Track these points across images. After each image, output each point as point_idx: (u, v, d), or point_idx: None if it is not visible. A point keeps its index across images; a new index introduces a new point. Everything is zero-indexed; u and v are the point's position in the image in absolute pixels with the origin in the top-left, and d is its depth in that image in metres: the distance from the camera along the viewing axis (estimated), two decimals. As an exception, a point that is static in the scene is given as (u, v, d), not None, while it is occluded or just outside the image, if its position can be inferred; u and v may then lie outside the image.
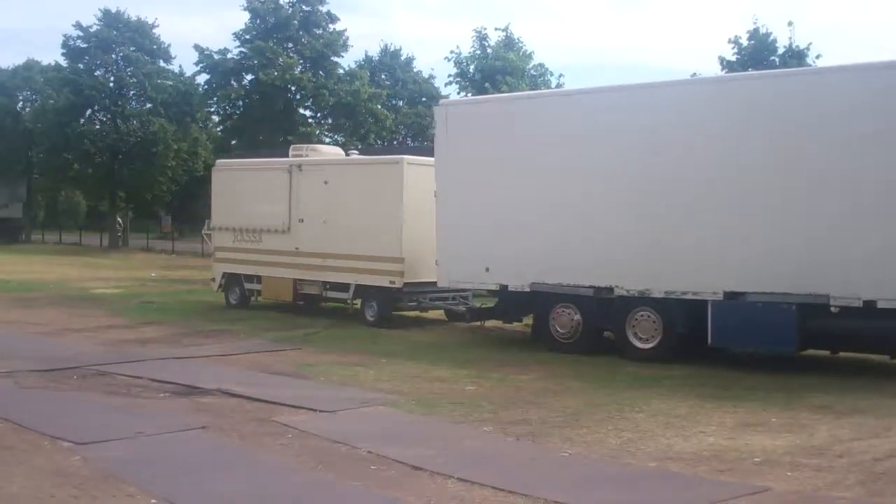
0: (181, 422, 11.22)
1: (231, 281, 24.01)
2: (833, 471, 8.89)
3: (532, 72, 46.83)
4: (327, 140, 49.96)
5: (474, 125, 18.11)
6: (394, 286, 20.14)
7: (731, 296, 15.03)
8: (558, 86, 49.43)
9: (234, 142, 51.89)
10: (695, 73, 34.80)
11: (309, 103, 50.71)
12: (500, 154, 17.50)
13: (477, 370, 15.16)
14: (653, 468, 9.21)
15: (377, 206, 20.50)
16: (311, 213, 21.92)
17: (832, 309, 14.04)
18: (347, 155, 23.92)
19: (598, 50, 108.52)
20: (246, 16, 50.03)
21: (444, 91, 53.03)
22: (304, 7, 50.07)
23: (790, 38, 35.69)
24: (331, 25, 51.17)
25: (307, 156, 23.22)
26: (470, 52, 46.71)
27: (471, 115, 18.80)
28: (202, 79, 52.42)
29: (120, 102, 56.02)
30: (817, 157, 14.34)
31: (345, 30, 51.43)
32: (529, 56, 46.77)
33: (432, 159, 19.78)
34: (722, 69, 33.55)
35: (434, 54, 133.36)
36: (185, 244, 53.41)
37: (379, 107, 50.95)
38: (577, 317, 16.90)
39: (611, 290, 16.25)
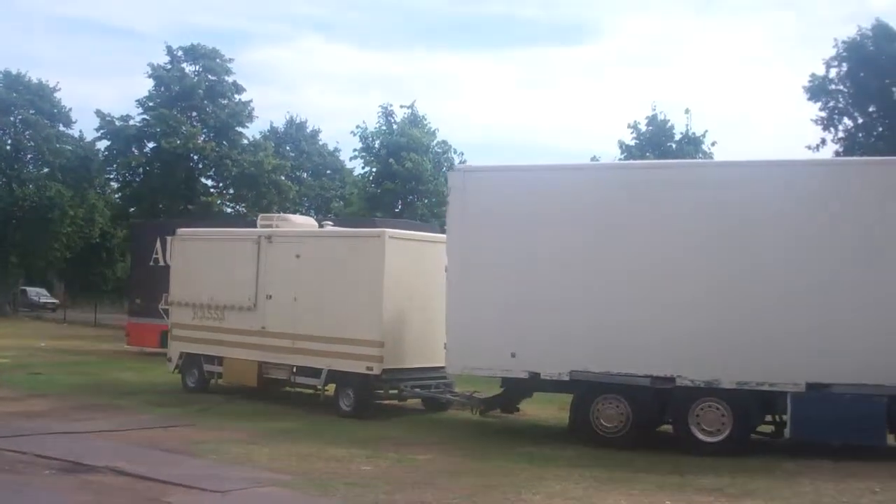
0: (67, 500, 10.85)
1: (189, 361, 21.82)
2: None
3: (436, 148, 47.39)
4: (228, 210, 49.62)
5: (499, 193, 16.47)
6: (371, 372, 18.23)
7: (813, 387, 14.32)
8: (461, 163, 50.06)
9: (132, 209, 51.13)
10: (595, 157, 35.63)
11: (211, 172, 50.45)
12: (530, 225, 15.99)
13: (373, 449, 15.00)
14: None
15: (355, 284, 18.68)
16: (280, 290, 19.97)
17: None
18: (321, 226, 22.09)
19: (504, 129, 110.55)
20: (150, 83, 49.85)
21: (348, 165, 53.38)
22: (209, 76, 50.06)
23: (687, 125, 36.93)
24: (237, 96, 51.25)
25: (277, 226, 21.29)
26: (376, 128, 47.14)
27: (495, 183, 16.88)
28: (102, 144, 51.85)
29: (16, 166, 54.96)
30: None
31: (250, 100, 51.56)
32: (433, 133, 47.37)
33: (415, 233, 19.31)
34: (621, 153, 34.46)
35: (340, 127, 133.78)
36: (77, 313, 52.08)
37: (283, 178, 50.91)
38: (626, 408, 15.33)
39: (671, 379, 14.89)
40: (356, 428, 17.19)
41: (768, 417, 15.22)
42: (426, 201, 45.03)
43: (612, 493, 11.86)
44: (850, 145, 42.57)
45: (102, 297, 61.48)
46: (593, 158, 35.10)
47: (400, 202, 45.12)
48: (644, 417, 15.37)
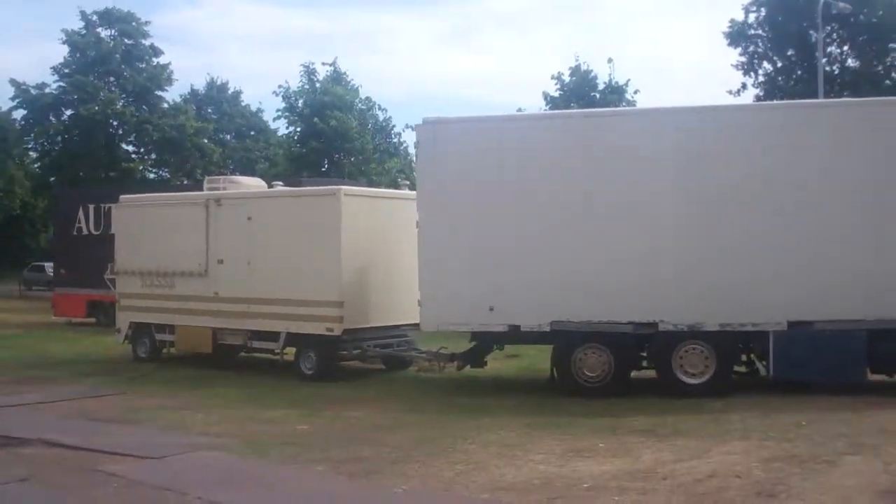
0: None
1: (139, 331, 21.36)
2: (657, 493, 9.17)
3: (360, 105, 47.06)
4: (151, 176, 48.87)
5: (471, 145, 15.95)
6: (332, 333, 17.83)
7: (795, 325, 14.64)
8: (386, 120, 49.90)
9: (52, 179, 50.05)
10: (520, 109, 35.67)
11: (132, 138, 49.52)
12: (505, 176, 15.67)
13: (309, 409, 14.99)
14: (485, 499, 9.30)
15: (311, 244, 18.27)
16: (232, 254, 19.49)
17: None
18: (270, 187, 21.55)
19: (429, 84, 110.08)
20: (65, 49, 48.64)
21: (272, 126, 52.81)
22: (126, 40, 49.02)
23: (610, 75, 37.13)
24: (154, 59, 50.30)
25: (225, 188, 20.76)
26: (298, 87, 46.63)
27: (466, 135, 16.28)
28: (19, 114, 50.55)
29: (-70, 139, 53.37)
30: (873, 183, 14.52)
31: (169, 63, 50.66)
32: (357, 90, 47.01)
33: (372, 189, 18.88)
34: (546, 105, 34.55)
35: (263, 87, 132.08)
36: (1, 286, 50.97)
37: (205, 141, 50.18)
38: (608, 356, 15.34)
39: (654, 325, 14.98)
40: (292, 389, 17.17)
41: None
42: (353, 159, 44.78)
43: (547, 439, 12.03)
44: (771, 89, 43.21)
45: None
46: (518, 110, 35.07)
47: (326, 161, 44.77)
48: (626, 364, 15.48)
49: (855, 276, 14.41)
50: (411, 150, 51.89)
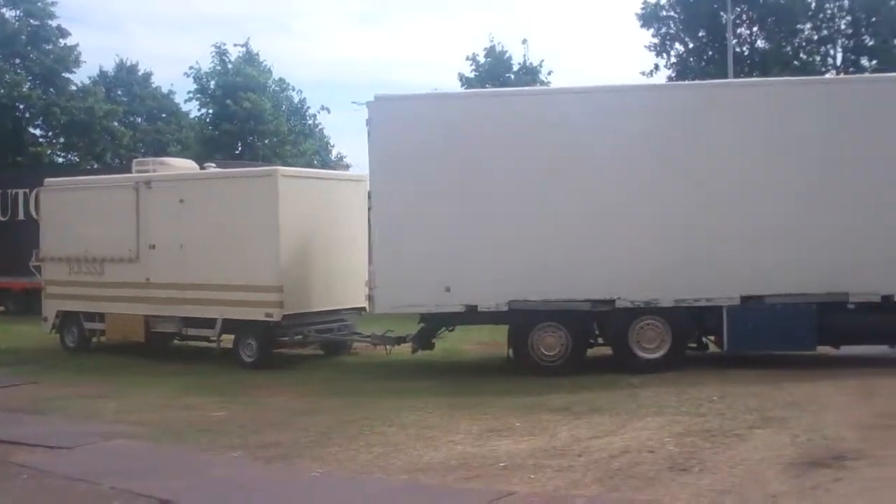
0: None
1: (67, 320, 20.57)
2: (573, 470, 9.26)
3: (274, 87, 46.55)
4: (60, 160, 47.72)
5: (426, 123, 15.64)
6: (271, 319, 17.40)
7: (747, 300, 15.01)
8: (300, 101, 49.44)
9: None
10: (436, 89, 35.61)
11: (39, 122, 48.20)
12: (461, 154, 15.48)
13: (226, 395, 14.86)
14: (404, 481, 9.30)
15: (247, 227, 17.75)
16: (164, 238, 18.85)
17: (850, 306, 14.79)
18: (202, 168, 20.81)
19: (345, 65, 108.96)
20: (-33, 31, 46.93)
21: (184, 108, 51.92)
22: (31, 21, 47.56)
23: (524, 56, 37.27)
24: (62, 40, 48.88)
25: (155, 170, 20.09)
26: (210, 68, 45.88)
27: (420, 112, 16.06)
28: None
29: None
30: (822, 164, 14.88)
31: (77, 45, 49.25)
32: (270, 71, 46.49)
33: (311, 171, 18.41)
34: (461, 86, 34.57)
35: (174, 70, 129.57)
36: None
37: (115, 124, 49.13)
38: (565, 335, 15.46)
39: (611, 302, 15.19)
40: (213, 376, 16.99)
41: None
42: (267, 141, 44.30)
43: (465, 420, 12.07)
44: (683, 70, 43.86)
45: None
46: (434, 90, 35.06)
47: (240, 144, 44.21)
48: (583, 342, 15.62)
49: (804, 251, 14.84)
50: (327, 132, 51.65)
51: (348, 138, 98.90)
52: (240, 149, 43.67)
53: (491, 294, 15.31)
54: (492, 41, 36.19)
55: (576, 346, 15.50)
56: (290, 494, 9.18)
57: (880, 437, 10.02)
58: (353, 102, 50.91)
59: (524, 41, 43.16)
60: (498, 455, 10.05)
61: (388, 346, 17.75)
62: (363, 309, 18.84)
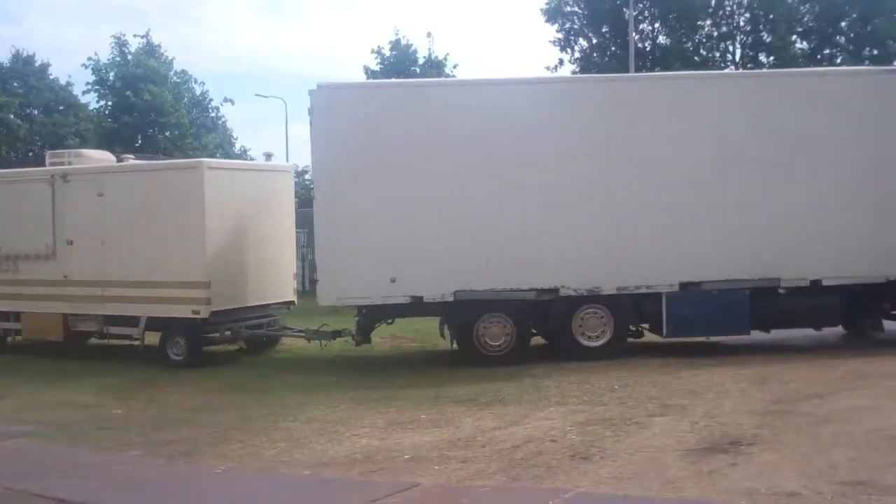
0: None
1: None
2: (477, 461, 9.31)
3: (175, 79, 45.76)
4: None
5: (371, 111, 15.43)
6: (198, 316, 16.85)
7: (685, 286, 15.35)
8: (203, 93, 48.69)
9: None
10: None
11: (-70, 114, 46.67)
12: (407, 143, 15.29)
13: (125, 392, 14.62)
14: (307, 475, 9.24)
15: (172, 221, 17.12)
16: (83, 234, 18.02)
17: (780, 291, 15.36)
18: (120, 161, 19.82)
19: (249, 58, 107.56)
20: None
21: (82, 100, 50.67)
22: (-80, 11, 45.95)
23: (430, 49, 37.31)
24: (-46, 31, 47.35)
25: (70, 163, 19.09)
26: (109, 59, 44.83)
27: (365, 100, 15.85)
28: None
29: None
30: (759, 154, 15.38)
31: (-31, 35, 47.77)
32: (171, 63, 45.67)
33: (237, 162, 17.80)
34: (367, 78, 34.40)
35: (72, 61, 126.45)
36: None
37: (11, 116, 47.73)
38: (510, 324, 15.53)
39: (555, 290, 15.34)
40: (104, 374, 16.57)
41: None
42: (168, 134, 43.51)
43: (370, 413, 12.05)
44: (587, 65, 44.42)
45: None
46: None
47: (140, 136, 43.32)
48: (527, 331, 15.71)
49: (739, 239, 15.40)
50: (230, 125, 50.92)
51: (252, 131, 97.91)
52: (140, 141, 42.79)
53: (437, 285, 15.26)
54: (397, 34, 36.24)
55: (520, 336, 15.62)
56: (192, 492, 9.06)
57: (774, 422, 10.29)
58: (226, 99, 50.25)
59: (429, 35, 43.24)
60: (402, 448, 10.05)
61: (322, 342, 17.53)
62: (292, 303, 18.67)
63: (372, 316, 16.21)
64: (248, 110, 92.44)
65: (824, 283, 15.47)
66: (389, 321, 16.75)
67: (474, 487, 8.44)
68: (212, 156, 37.69)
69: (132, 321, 17.67)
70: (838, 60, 43.18)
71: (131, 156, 21.00)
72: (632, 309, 15.65)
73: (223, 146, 47.98)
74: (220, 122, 49.85)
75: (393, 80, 18.23)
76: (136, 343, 18.02)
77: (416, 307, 15.61)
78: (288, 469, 9.54)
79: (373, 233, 15.26)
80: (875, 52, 42.71)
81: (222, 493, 8.90)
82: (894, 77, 16.66)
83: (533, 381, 13.74)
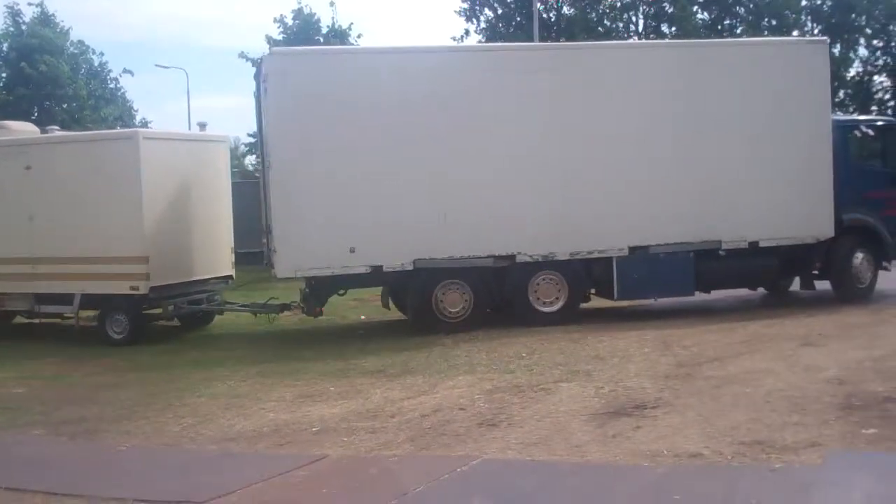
0: None
1: None
2: (386, 431, 9.32)
3: (73, 49, 44.50)
4: None
5: (327, 78, 15.14)
6: (137, 292, 16.34)
7: (634, 250, 15.77)
8: (101, 64, 47.48)
9: None
10: (243, 53, 34.82)
11: None
12: (365, 111, 15.03)
13: (27, 370, 14.26)
14: (213, 451, 9.14)
15: (107, 194, 16.43)
16: (8, 209, 17.30)
17: (721, 252, 16.06)
18: (44, 132, 18.89)
19: (150, 27, 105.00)
20: None
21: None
22: None
23: (333, 18, 36.81)
24: None
25: None
26: (2, 30, 43.37)
27: (322, 67, 15.54)
28: None
29: None
30: (699, 123, 16.05)
31: None
32: (67, 33, 44.37)
33: (175, 132, 17.19)
34: (270, 48, 33.87)
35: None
36: None
37: None
38: (468, 291, 15.60)
39: (512, 257, 15.53)
40: (5, 351, 16.14)
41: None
42: (66, 106, 42.31)
43: (277, 387, 11.97)
44: (492, 35, 44.52)
45: None
46: (241, 55, 34.28)
47: (36, 109, 42.02)
48: (484, 298, 15.78)
49: (683, 203, 15.98)
50: (129, 96, 49.73)
51: (153, 103, 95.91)
52: (36, 114, 41.50)
53: (396, 254, 15.23)
54: (299, 3, 35.69)
55: (477, 302, 15.71)
56: (96, 470, 8.86)
57: (677, 386, 10.51)
58: (158, 65, 49.18)
59: (332, 3, 42.68)
60: (311, 420, 10.01)
61: (270, 315, 17.28)
62: (230, 278, 18.36)
63: (324, 287, 16.00)
64: (148, 81, 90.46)
65: (761, 244, 16.27)
66: (341, 293, 16.59)
67: (383, 457, 8.44)
68: (111, 128, 36.77)
69: (66, 299, 17.01)
70: (738, 31, 44.09)
71: (56, 127, 20.29)
72: (584, 274, 16.00)
73: (123, 118, 46.83)
74: (119, 93, 48.64)
75: (349, 46, 18.20)
76: (71, 322, 17.39)
77: (374, 277, 15.58)
78: (194, 445, 9.42)
79: (330, 202, 15.04)
80: (773, 22, 43.73)
81: (127, 471, 8.74)
82: (820, 47, 17.47)
83: (442, 351, 13.79)
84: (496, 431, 9.01)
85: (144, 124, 48.01)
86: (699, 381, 10.70)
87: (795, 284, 18.24)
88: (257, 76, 15.42)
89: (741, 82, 16.19)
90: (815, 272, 17.34)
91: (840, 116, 18.77)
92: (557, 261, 15.73)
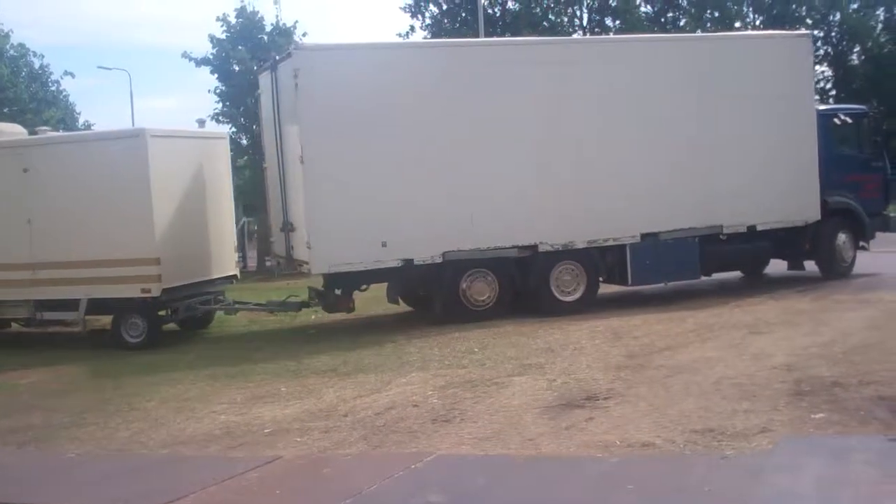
0: None
1: None
2: (339, 430, 9.27)
3: (12, 52, 43.78)
4: None
5: (362, 76, 15.14)
6: (149, 295, 15.98)
7: (645, 237, 16.57)
8: (42, 67, 46.83)
9: None
10: (186, 53, 34.43)
11: None
12: (394, 107, 15.27)
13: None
14: (165, 455, 9.04)
15: (113, 196, 16.01)
16: (5, 213, 16.72)
17: (722, 237, 17.10)
18: (32, 134, 18.25)
19: (92, 28, 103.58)
20: None
21: None
22: None
23: (277, 16, 36.59)
24: None
25: None
26: (-60, 34, 42.52)
27: (350, 63, 15.38)
28: None
29: None
30: (701, 115, 16.98)
31: None
32: (8, 36, 43.63)
33: (181, 129, 16.84)
34: (213, 48, 33.57)
35: None
36: None
37: None
38: (494, 280, 15.98)
39: (535, 247, 16.02)
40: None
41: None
42: (6, 110, 41.60)
43: (228, 389, 11.87)
44: (437, 31, 44.50)
45: None
46: (185, 55, 33.88)
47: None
48: (509, 288, 16.16)
49: (687, 191, 16.90)
50: (72, 99, 49.06)
51: (96, 104, 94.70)
52: (-26, 118, 40.82)
53: (426, 247, 15.48)
54: (242, 1, 35.40)
55: (503, 290, 16.08)
56: (45, 478, 8.73)
57: (628, 376, 10.57)
58: (101, 67, 48.60)
59: (276, 1, 42.47)
60: (263, 422, 9.93)
61: (291, 313, 17.25)
62: (235, 277, 18.20)
63: (348, 283, 15.96)
64: (90, 83, 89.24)
65: (758, 228, 17.38)
66: (364, 288, 16.50)
67: (337, 456, 8.41)
68: (54, 130, 36.19)
69: (70, 305, 16.55)
70: (681, 23, 44.51)
71: (47, 128, 19.81)
72: (600, 261, 16.65)
73: (65, 121, 46.21)
74: (61, 96, 47.96)
75: (378, 41, 18.58)
76: (73, 326, 16.99)
77: (405, 271, 15.61)
78: (145, 450, 9.32)
79: (363, 197, 15.10)
80: (716, 14, 44.20)
81: (77, 477, 8.62)
82: (804, 40, 18.89)
83: (395, 348, 13.77)
84: (449, 427, 9.00)
85: (87, 126, 47.46)
86: (650, 371, 10.78)
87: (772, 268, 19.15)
88: (272, 72, 16.00)
89: (737, 76, 17.15)
90: (808, 251, 18.46)
91: (820, 105, 19.74)
92: (576, 249, 16.35)
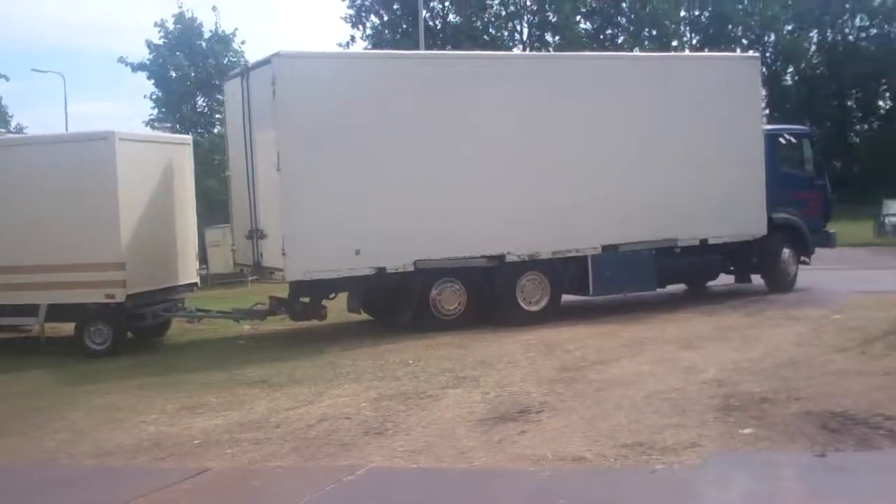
0: None
1: None
2: (270, 442, 9.17)
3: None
4: None
5: (336, 84, 15.21)
6: (112, 301, 15.54)
7: (606, 249, 16.95)
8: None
9: None
10: (122, 58, 33.97)
11: None
12: (369, 116, 15.31)
13: None
14: (91, 466, 8.87)
15: (77, 199, 15.56)
16: None
17: (677, 250, 17.58)
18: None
19: (40, 33, 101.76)
20: None
21: None
22: None
23: (216, 23, 36.30)
24: None
25: None
26: None
27: (328, 72, 15.49)
28: None
29: None
30: (657, 133, 17.37)
31: None
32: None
33: (150, 133, 16.34)
34: (150, 53, 33.25)
35: None
36: None
37: None
38: (463, 290, 16.15)
39: (502, 257, 16.25)
40: None
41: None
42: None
43: (158, 399, 11.66)
44: (378, 42, 44.58)
45: None
46: (121, 59, 33.48)
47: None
48: (477, 297, 16.35)
49: (645, 205, 17.26)
50: (5, 102, 48.26)
51: (29, 108, 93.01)
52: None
53: (399, 255, 15.59)
54: (181, 7, 35.23)
55: (471, 300, 16.29)
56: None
57: (561, 389, 10.61)
58: (35, 70, 47.99)
59: (214, 8, 42.17)
60: (192, 433, 9.79)
61: (254, 322, 17.08)
62: (195, 285, 17.91)
63: (317, 291, 15.90)
64: (23, 86, 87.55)
65: (710, 241, 17.94)
66: (332, 296, 16.46)
67: (267, 469, 8.31)
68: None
69: (28, 310, 15.98)
70: (619, 40, 45.07)
71: (3, 130, 19.23)
72: (563, 272, 16.92)
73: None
74: (-3, 103, 47.20)
75: (355, 50, 18.95)
76: (27, 332, 16.58)
77: (377, 279, 15.57)
78: (71, 460, 9.13)
79: (337, 205, 15.12)
80: (654, 32, 44.84)
81: (-2, 490, 8.43)
82: (753, 61, 19.83)
83: (328, 360, 13.66)
84: (382, 440, 8.95)
85: (20, 129, 46.55)
86: (582, 385, 10.84)
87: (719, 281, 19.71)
88: (243, 79, 15.91)
89: (690, 96, 17.78)
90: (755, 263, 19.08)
91: (767, 125, 20.57)
92: (541, 260, 16.62)
